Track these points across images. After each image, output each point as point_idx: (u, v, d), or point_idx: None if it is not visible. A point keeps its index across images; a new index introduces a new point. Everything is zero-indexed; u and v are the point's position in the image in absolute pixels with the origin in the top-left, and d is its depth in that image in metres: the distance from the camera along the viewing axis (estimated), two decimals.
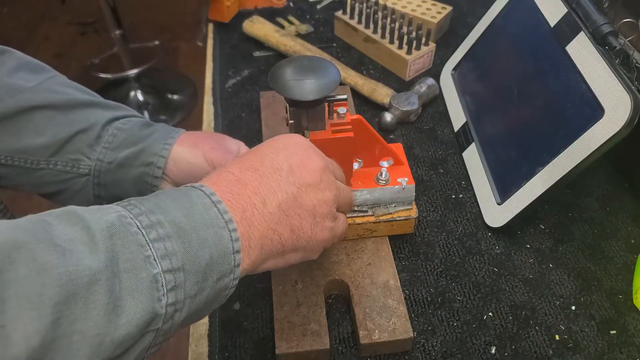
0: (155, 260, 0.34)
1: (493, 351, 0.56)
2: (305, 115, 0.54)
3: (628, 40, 0.63)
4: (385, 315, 0.55)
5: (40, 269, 0.29)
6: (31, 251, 0.29)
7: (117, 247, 0.33)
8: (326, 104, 0.56)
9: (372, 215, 0.62)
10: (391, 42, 0.90)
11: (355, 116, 0.58)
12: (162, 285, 0.34)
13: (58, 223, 0.32)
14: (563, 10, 0.65)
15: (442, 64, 0.90)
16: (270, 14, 1.02)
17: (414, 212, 0.63)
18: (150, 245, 0.34)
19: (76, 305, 0.29)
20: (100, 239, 0.32)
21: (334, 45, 0.97)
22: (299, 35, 0.99)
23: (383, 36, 0.90)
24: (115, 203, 0.37)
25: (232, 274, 0.39)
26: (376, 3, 0.92)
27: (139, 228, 0.34)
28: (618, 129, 0.53)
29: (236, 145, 0.60)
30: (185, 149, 0.56)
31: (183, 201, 0.38)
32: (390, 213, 0.63)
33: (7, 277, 0.27)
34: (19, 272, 0.28)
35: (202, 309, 0.38)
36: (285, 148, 0.45)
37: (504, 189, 0.67)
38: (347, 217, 0.61)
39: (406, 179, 0.62)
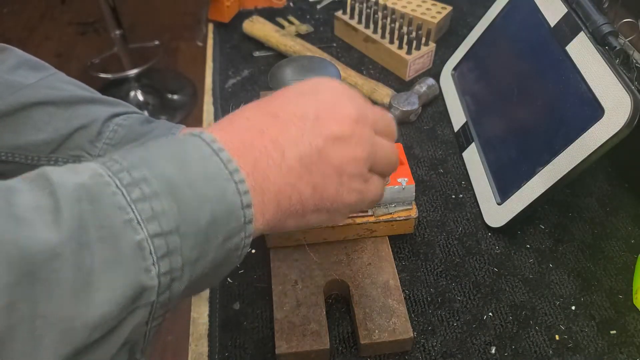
0: (140, 224, 0.29)
1: (493, 351, 0.56)
2: None
3: (628, 40, 0.63)
4: (385, 315, 0.55)
5: None
6: None
7: (86, 214, 0.28)
8: None
9: (372, 215, 0.62)
10: (391, 42, 0.90)
11: None
12: (151, 253, 0.29)
13: (28, 189, 0.28)
14: (563, 10, 0.65)
15: (442, 64, 0.90)
16: (270, 14, 1.02)
17: (414, 212, 0.63)
18: (133, 206, 0.29)
19: (34, 286, 0.25)
20: (65, 205, 0.27)
21: (334, 45, 0.97)
22: (299, 35, 0.99)
23: (383, 36, 0.90)
24: (95, 160, 0.32)
25: (242, 232, 0.34)
26: (376, 3, 0.92)
27: (118, 187, 0.29)
28: (618, 129, 0.53)
29: None
30: None
31: (176, 151, 0.33)
32: (391, 213, 0.63)
33: None
34: None
35: (208, 274, 0.33)
36: (314, 92, 0.39)
37: (504, 189, 0.67)
38: (348, 217, 0.61)
39: (406, 179, 0.62)
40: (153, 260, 0.29)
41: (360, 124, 0.38)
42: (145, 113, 2.47)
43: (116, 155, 0.31)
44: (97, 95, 0.58)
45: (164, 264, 0.29)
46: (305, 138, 0.36)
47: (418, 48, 0.88)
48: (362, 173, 0.39)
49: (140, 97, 2.34)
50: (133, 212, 0.29)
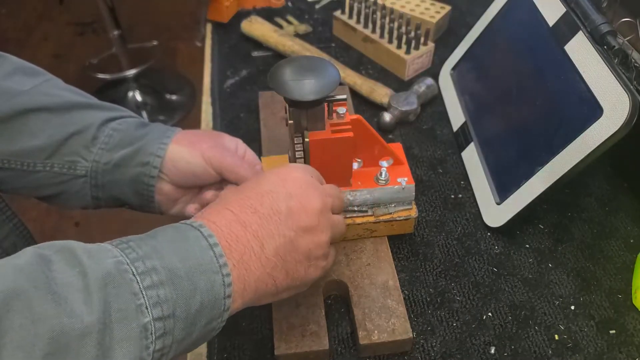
0: (147, 309, 0.35)
1: (492, 351, 0.56)
2: (305, 116, 0.54)
3: (627, 40, 0.63)
4: (385, 315, 0.55)
5: (35, 319, 0.30)
6: (28, 300, 0.30)
7: (110, 297, 0.33)
8: (325, 104, 0.55)
9: (372, 215, 0.62)
10: (390, 41, 0.89)
11: (355, 116, 0.58)
12: (152, 333, 0.35)
13: (58, 260, 0.33)
14: (562, 9, 0.65)
15: (441, 63, 0.90)
16: (269, 14, 1.02)
17: (414, 212, 0.63)
18: (144, 293, 0.35)
19: (66, 357, 0.30)
20: (95, 288, 0.33)
21: (333, 45, 0.97)
22: (297, 35, 0.98)
23: (382, 36, 0.90)
24: (115, 243, 0.37)
25: (220, 317, 0.40)
26: (375, 3, 0.92)
27: (134, 275, 0.35)
28: (617, 129, 0.53)
29: (234, 142, 0.60)
30: (184, 148, 0.56)
31: (180, 244, 0.39)
32: (390, 213, 0.63)
33: (4, 325, 0.29)
34: (15, 321, 0.29)
35: (188, 348, 0.39)
36: (285, 186, 0.45)
37: (503, 189, 0.67)
38: (348, 218, 0.61)
39: (406, 178, 0.62)
40: (152, 340, 0.35)
41: (324, 213, 0.46)
42: (144, 114, 2.44)
43: (132, 243, 0.37)
44: (93, 100, 0.58)
45: (159, 343, 0.35)
46: (280, 231, 0.43)
47: (417, 48, 0.88)
48: (325, 253, 0.47)
49: (139, 98, 2.33)
50: (144, 297, 0.35)
